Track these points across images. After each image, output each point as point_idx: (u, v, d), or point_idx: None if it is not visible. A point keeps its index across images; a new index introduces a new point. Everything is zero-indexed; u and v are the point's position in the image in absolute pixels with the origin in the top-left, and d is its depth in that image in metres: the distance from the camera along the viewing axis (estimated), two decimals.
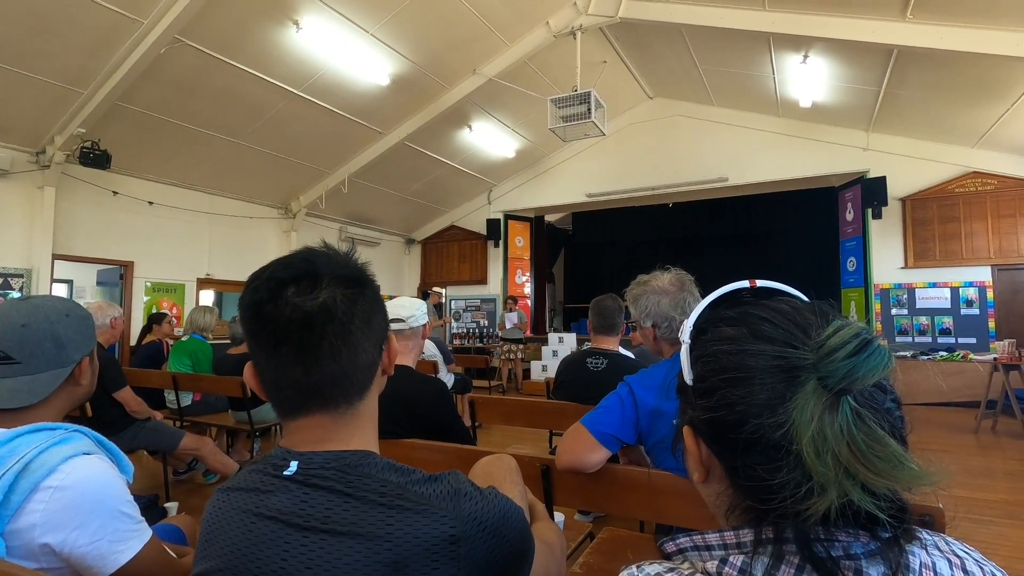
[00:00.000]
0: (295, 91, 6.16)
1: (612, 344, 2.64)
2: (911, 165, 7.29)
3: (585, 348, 2.74)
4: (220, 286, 8.08)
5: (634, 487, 1.41)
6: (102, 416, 2.83)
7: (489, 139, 8.47)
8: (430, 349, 4.62)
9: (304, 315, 0.66)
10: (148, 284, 7.06)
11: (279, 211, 8.75)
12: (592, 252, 13.05)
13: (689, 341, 0.53)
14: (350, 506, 0.63)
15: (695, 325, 0.54)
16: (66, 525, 0.90)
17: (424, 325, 1.97)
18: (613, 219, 11.40)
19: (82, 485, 0.93)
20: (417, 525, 0.61)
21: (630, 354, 2.79)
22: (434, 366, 4.37)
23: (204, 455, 3.22)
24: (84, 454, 0.97)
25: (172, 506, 2.34)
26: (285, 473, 0.67)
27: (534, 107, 7.47)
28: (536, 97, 7.05)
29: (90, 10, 4.49)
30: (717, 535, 0.47)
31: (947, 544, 0.46)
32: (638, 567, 0.47)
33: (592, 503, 1.66)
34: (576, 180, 9.60)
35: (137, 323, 6.50)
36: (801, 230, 10.41)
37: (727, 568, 0.43)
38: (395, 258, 11.14)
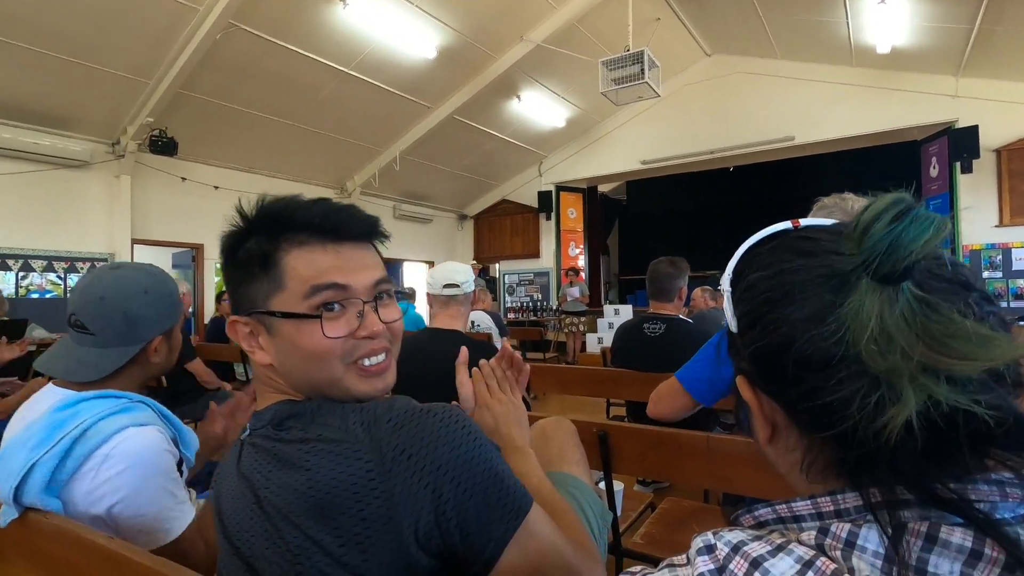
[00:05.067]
0: (345, 70, 6.20)
1: (671, 309, 2.53)
2: (1008, 112, 6.52)
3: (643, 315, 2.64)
4: None
5: (698, 454, 1.32)
6: (176, 386, 3.00)
7: (538, 109, 8.27)
8: (485, 321, 4.62)
9: None
10: (218, 265, 7.42)
11: (335, 191, 8.93)
12: (648, 222, 12.63)
13: (730, 288, 0.47)
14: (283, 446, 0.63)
15: (733, 271, 0.48)
16: (111, 495, 0.90)
17: (474, 291, 1.94)
18: (669, 187, 10.91)
19: (129, 458, 0.92)
20: (334, 462, 0.57)
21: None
22: (488, 338, 4.36)
23: None
24: (140, 425, 0.96)
25: None
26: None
27: (584, 72, 7.19)
28: (586, 61, 6.79)
29: (150, 1, 4.66)
30: (808, 502, 0.39)
31: None
32: (715, 533, 0.40)
33: (653, 471, 1.59)
34: (630, 147, 9.25)
35: (211, 302, 6.89)
36: (877, 190, 9.51)
37: (828, 539, 0.36)
38: (448, 235, 11.20)
